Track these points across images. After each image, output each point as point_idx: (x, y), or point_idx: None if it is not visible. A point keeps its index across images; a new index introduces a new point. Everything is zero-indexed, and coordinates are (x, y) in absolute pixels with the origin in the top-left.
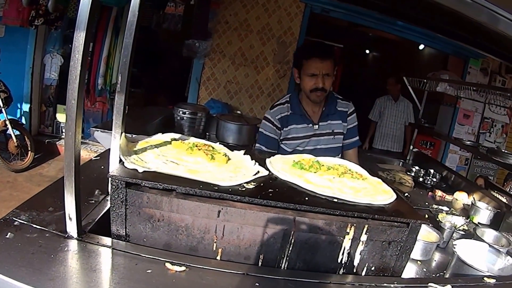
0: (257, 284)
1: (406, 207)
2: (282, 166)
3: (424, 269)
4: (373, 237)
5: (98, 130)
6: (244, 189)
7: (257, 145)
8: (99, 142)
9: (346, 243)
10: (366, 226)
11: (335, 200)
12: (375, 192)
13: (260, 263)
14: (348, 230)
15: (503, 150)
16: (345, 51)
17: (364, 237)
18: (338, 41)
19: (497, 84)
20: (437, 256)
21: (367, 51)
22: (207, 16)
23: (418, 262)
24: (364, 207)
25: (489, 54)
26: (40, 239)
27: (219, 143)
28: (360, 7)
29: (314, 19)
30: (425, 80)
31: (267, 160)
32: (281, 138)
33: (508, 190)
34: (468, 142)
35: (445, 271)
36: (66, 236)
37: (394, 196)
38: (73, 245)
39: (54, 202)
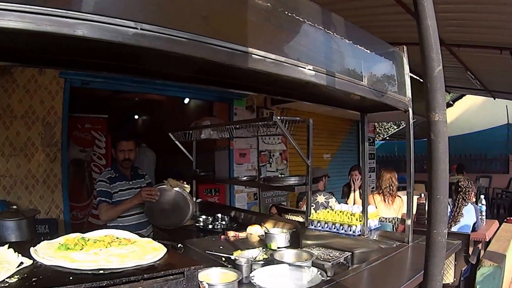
0: None
1: (177, 257)
2: (47, 252)
3: None
4: None
5: None
6: (7, 284)
7: None
8: None
9: None
10: (140, 287)
11: (101, 271)
12: (144, 252)
13: None
14: None
15: (279, 175)
16: (112, 121)
17: None
18: (103, 112)
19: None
20: None
21: (136, 116)
22: None
23: None
24: (132, 270)
25: (247, 91)
26: None
27: None
28: (115, 73)
29: (76, 93)
30: (190, 132)
31: (31, 249)
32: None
33: (303, 209)
34: (245, 178)
35: None
36: None
37: (164, 250)
38: None
39: None
